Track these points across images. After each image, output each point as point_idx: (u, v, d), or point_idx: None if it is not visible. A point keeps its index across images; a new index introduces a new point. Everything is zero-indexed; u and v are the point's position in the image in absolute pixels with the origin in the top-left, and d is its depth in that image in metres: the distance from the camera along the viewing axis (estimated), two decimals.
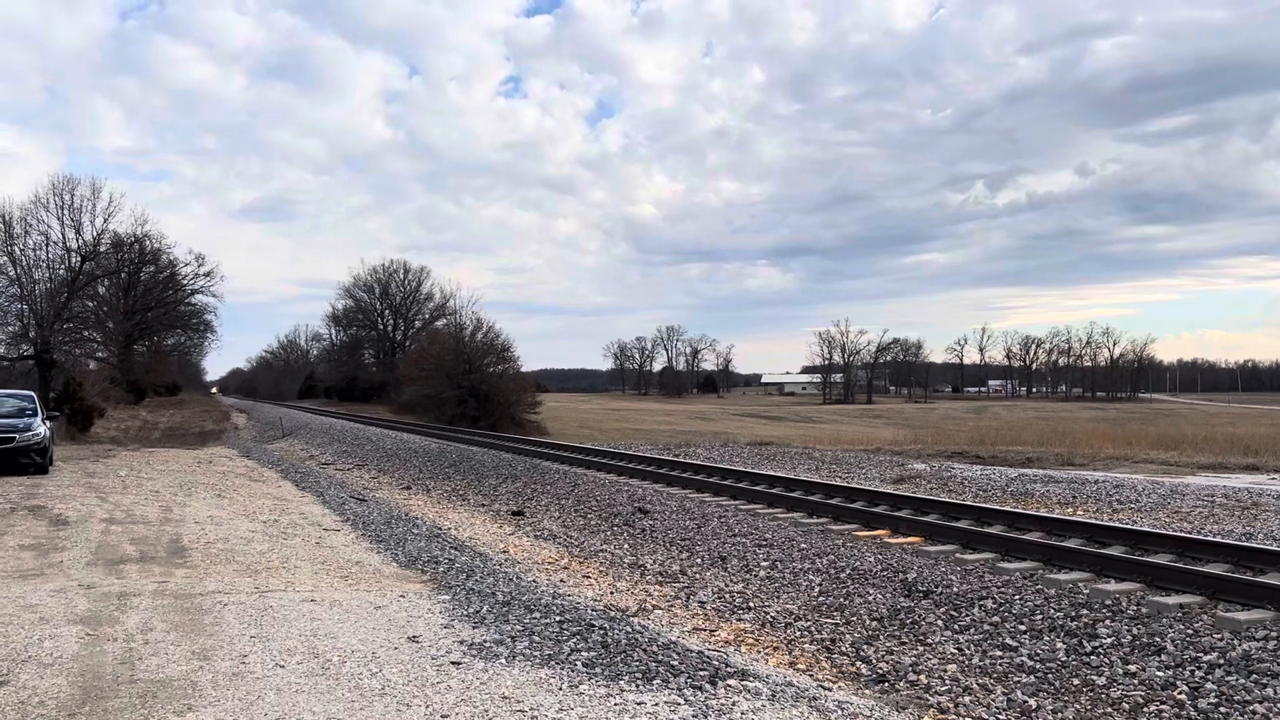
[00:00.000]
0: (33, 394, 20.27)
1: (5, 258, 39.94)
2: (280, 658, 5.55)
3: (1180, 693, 6.05)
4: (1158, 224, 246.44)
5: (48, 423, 18.36)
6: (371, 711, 4.62)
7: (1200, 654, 6.66)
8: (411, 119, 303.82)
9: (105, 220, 46.84)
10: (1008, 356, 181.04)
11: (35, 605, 6.86)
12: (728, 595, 8.96)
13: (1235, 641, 6.84)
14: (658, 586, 9.39)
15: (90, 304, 50.88)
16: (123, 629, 6.19)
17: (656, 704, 4.85)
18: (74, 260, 44.80)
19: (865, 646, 7.24)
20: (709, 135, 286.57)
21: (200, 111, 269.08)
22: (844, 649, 7.20)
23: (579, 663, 5.58)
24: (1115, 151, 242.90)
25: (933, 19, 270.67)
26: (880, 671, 6.64)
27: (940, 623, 7.82)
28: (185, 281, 63.94)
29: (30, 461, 16.91)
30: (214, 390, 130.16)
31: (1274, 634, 6.95)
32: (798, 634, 7.64)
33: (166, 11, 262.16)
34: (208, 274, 62.89)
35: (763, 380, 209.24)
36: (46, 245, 44.33)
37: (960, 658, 6.95)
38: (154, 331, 70.09)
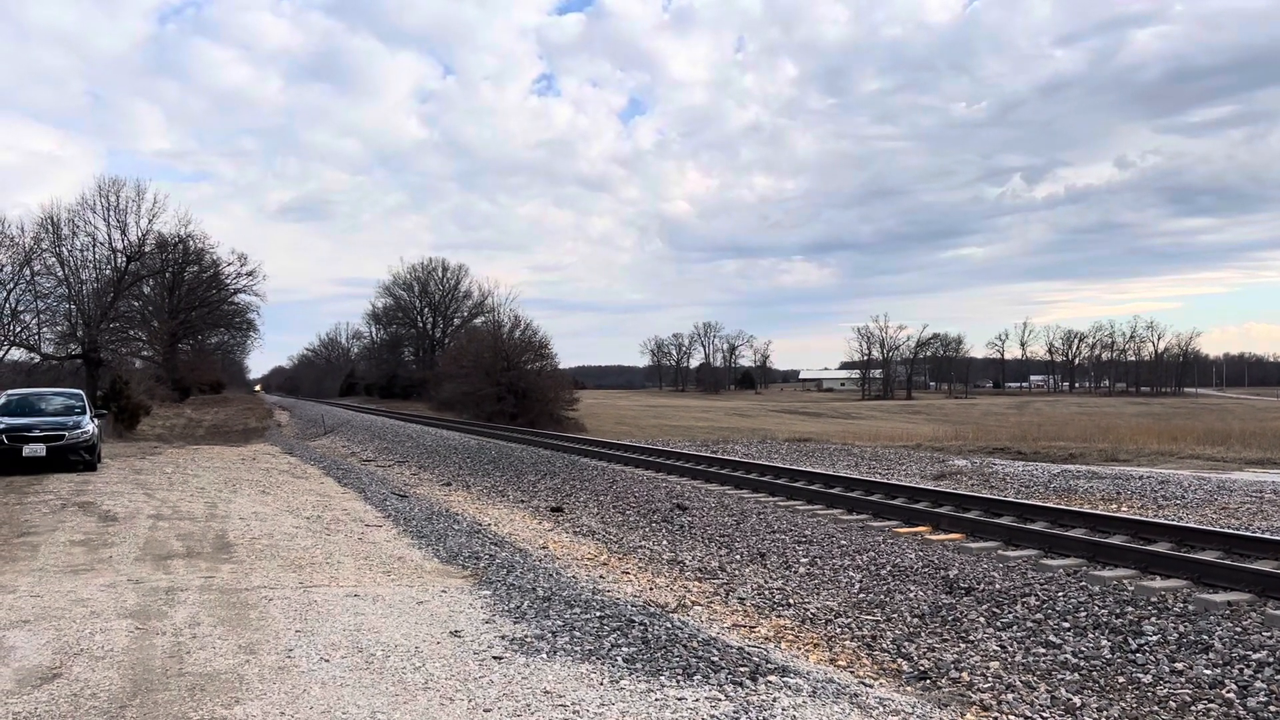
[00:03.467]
0: (81, 392, 20.62)
1: (54, 258, 40.59)
2: (325, 652, 5.63)
3: (1229, 691, 5.96)
4: (1200, 216, 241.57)
5: (95, 421, 18.68)
6: (415, 705, 4.68)
7: (1249, 652, 6.55)
8: (446, 118, 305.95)
9: (150, 221, 47.51)
10: (1049, 351, 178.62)
11: (86, 600, 7.01)
12: (767, 592, 8.95)
13: None
14: (697, 583, 9.40)
15: (136, 304, 51.67)
16: (171, 623, 6.31)
17: (697, 699, 4.86)
18: (120, 261, 45.46)
19: (906, 643, 7.20)
20: (742, 131, 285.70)
21: (239, 113, 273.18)
22: (885, 646, 7.16)
23: (619, 658, 5.60)
24: (1155, 143, 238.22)
25: (966, 11, 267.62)
26: (922, 669, 6.60)
27: (982, 620, 7.75)
28: (228, 281, 64.85)
29: (79, 459, 17.24)
30: (257, 388, 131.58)
31: None
32: (838, 631, 7.62)
33: (204, 14, 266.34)
34: (250, 273, 63.60)
35: (801, 376, 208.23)
36: (93, 246, 45.08)
37: (1003, 655, 6.90)
38: (198, 330, 71.13)
